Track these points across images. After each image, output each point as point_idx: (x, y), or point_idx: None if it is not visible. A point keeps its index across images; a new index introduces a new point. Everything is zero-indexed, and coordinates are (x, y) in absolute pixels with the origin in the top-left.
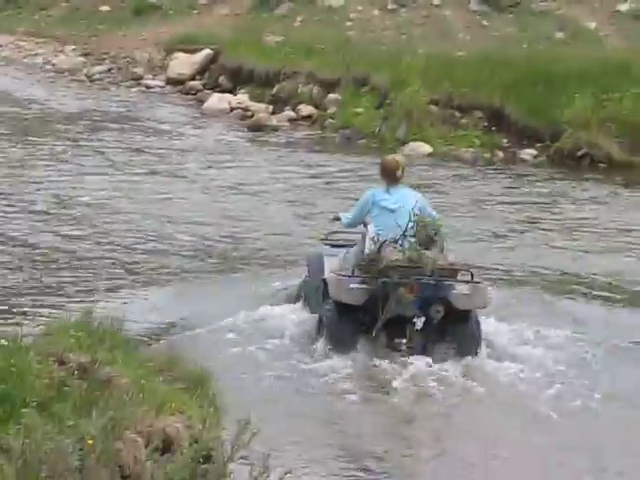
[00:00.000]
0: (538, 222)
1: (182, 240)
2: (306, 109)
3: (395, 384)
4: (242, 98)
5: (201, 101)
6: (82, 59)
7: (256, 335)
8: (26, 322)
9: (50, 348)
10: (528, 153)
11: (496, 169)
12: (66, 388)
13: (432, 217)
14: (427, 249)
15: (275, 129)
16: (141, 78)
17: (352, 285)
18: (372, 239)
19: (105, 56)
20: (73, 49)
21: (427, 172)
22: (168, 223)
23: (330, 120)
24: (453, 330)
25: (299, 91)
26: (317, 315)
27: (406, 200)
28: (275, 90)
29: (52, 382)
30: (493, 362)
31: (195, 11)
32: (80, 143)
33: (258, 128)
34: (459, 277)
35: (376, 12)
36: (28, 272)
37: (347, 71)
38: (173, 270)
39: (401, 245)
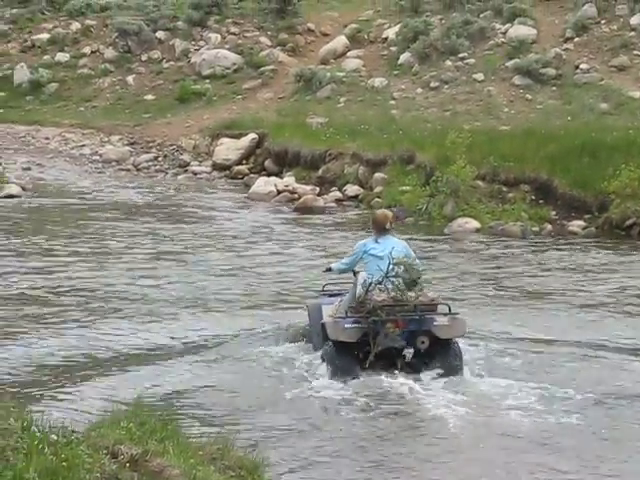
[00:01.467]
0: (590, 292)
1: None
2: (352, 189)
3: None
4: (288, 181)
5: (248, 185)
6: (128, 148)
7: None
8: (77, 414)
9: (101, 441)
10: (577, 225)
11: (545, 242)
12: None
13: (415, 261)
14: (409, 289)
15: (322, 210)
16: (187, 165)
17: (346, 325)
18: (362, 284)
19: (151, 144)
20: (119, 139)
21: (476, 247)
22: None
23: (377, 199)
24: (438, 356)
25: (345, 171)
26: (320, 353)
27: (394, 248)
28: (321, 172)
29: (103, 475)
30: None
31: (239, 96)
32: (128, 233)
33: (305, 210)
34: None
35: (419, 90)
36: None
37: (392, 150)
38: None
39: (385, 286)
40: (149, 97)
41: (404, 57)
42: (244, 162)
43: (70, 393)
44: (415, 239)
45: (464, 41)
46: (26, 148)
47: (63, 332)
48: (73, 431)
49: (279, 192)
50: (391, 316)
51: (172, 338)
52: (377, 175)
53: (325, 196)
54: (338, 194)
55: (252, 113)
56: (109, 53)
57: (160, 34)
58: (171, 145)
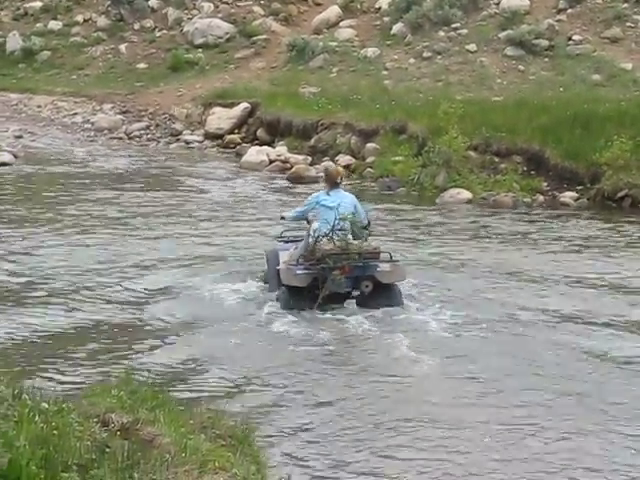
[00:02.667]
0: (575, 267)
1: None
2: (345, 159)
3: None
4: (280, 150)
5: (240, 155)
6: (120, 117)
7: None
8: (67, 384)
9: (92, 409)
10: (569, 196)
11: (537, 213)
12: (108, 449)
13: (361, 213)
14: (355, 239)
15: (314, 180)
16: (180, 134)
17: (298, 272)
18: (312, 235)
19: (143, 113)
20: (111, 107)
21: (467, 218)
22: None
23: (369, 169)
24: (383, 296)
25: (337, 141)
26: (275, 295)
27: (342, 200)
28: (313, 141)
29: (94, 443)
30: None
31: (231, 66)
32: (118, 201)
33: (298, 179)
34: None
35: (412, 60)
36: (69, 335)
37: (385, 120)
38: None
39: (331, 237)
40: (141, 66)
41: (397, 27)
42: (236, 131)
43: (57, 365)
44: (407, 209)
45: (457, 11)
46: (18, 116)
47: (43, 304)
48: (64, 399)
49: (271, 162)
50: (338, 263)
51: (148, 302)
52: (369, 145)
53: (317, 166)
54: (330, 164)
55: (245, 82)
56: (102, 21)
57: (153, 2)
58: (163, 114)
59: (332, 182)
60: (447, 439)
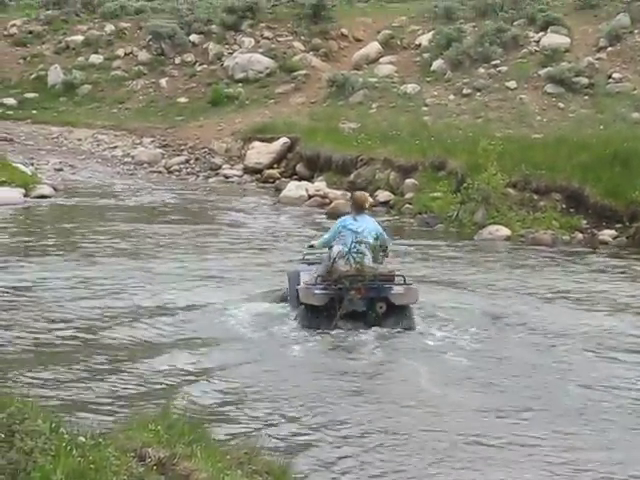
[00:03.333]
0: (616, 301)
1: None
2: (383, 195)
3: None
4: (320, 185)
5: (279, 189)
6: (160, 151)
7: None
8: (106, 417)
9: (129, 443)
10: (607, 234)
11: (575, 251)
12: None
13: (384, 239)
14: (375, 262)
15: None
16: (219, 168)
17: (316, 291)
18: (331, 256)
19: (183, 147)
20: (151, 141)
21: (506, 255)
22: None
23: (408, 205)
24: (396, 317)
25: (376, 177)
26: (295, 313)
27: (367, 225)
28: (352, 177)
29: (130, 478)
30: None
31: (271, 100)
32: (156, 233)
33: (336, 215)
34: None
35: (452, 97)
36: (105, 369)
37: (424, 156)
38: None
39: (348, 259)
40: (182, 100)
41: (437, 64)
42: (275, 166)
43: (94, 397)
44: (445, 246)
45: (497, 49)
46: (59, 149)
47: (75, 338)
48: (101, 433)
49: (310, 197)
50: (354, 284)
51: (182, 329)
52: (408, 181)
53: None
54: (359, 192)
55: (284, 117)
56: (143, 56)
57: (194, 37)
58: (203, 148)
59: (358, 207)
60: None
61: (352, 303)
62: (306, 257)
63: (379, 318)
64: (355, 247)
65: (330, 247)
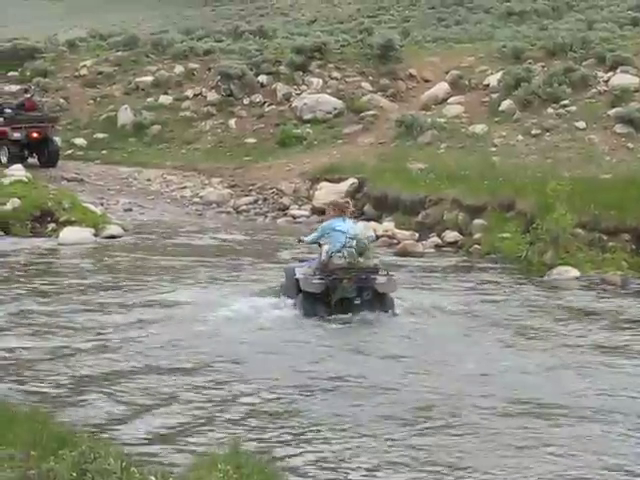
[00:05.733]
0: None
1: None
2: (451, 235)
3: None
4: (388, 226)
5: None
6: (229, 191)
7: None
8: (178, 454)
9: None
10: None
11: None
12: None
13: (367, 238)
14: (360, 256)
15: (421, 256)
16: (287, 208)
17: (314, 281)
18: (327, 252)
19: (251, 187)
20: (220, 181)
21: (576, 296)
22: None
23: (476, 246)
24: (380, 302)
25: (444, 217)
26: (293, 301)
27: (352, 227)
28: (420, 217)
29: None
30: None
31: (339, 141)
32: (220, 272)
33: (405, 255)
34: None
35: (520, 137)
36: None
37: (492, 197)
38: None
39: (342, 254)
40: (250, 140)
41: (505, 104)
42: None
43: (161, 432)
44: (514, 285)
45: (566, 89)
46: (128, 189)
47: (141, 373)
48: (171, 473)
49: (378, 237)
50: (346, 275)
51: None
52: (476, 221)
53: (424, 242)
54: (437, 240)
55: (352, 158)
56: (212, 96)
57: (262, 78)
58: (271, 188)
59: (343, 211)
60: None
61: (344, 290)
62: (298, 256)
63: (366, 304)
64: (349, 242)
65: (320, 246)
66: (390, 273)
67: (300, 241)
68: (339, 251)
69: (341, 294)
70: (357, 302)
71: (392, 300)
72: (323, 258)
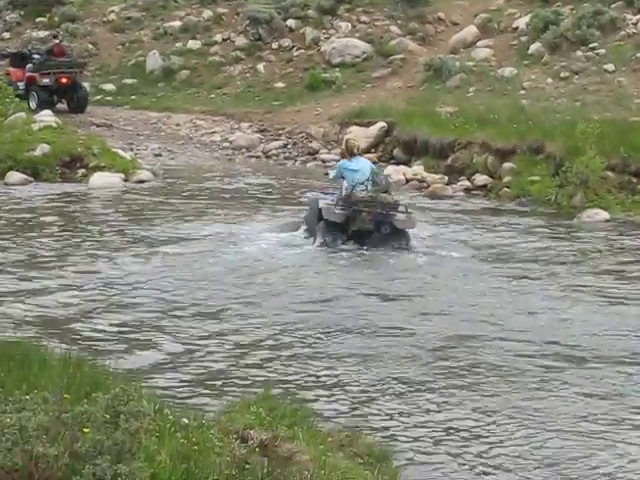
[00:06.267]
0: None
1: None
2: (481, 178)
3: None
4: (417, 169)
5: None
6: (258, 135)
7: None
8: (210, 399)
9: (231, 425)
10: None
11: None
12: (247, 466)
13: (382, 178)
14: (382, 192)
15: (451, 197)
16: (317, 152)
17: (336, 210)
18: (350, 184)
19: (280, 132)
20: (249, 126)
21: (606, 238)
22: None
23: (506, 189)
24: (397, 237)
25: (474, 161)
26: (309, 234)
27: (363, 164)
28: (450, 161)
29: (233, 460)
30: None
31: (368, 85)
32: (247, 214)
33: (434, 198)
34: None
35: (549, 80)
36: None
37: (521, 140)
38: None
39: (366, 187)
40: (279, 85)
41: (534, 47)
42: (373, 150)
43: (195, 379)
44: (543, 228)
45: (595, 31)
46: (157, 134)
47: (181, 320)
48: (203, 415)
49: (407, 181)
50: (367, 208)
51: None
52: (506, 165)
53: (453, 185)
54: (467, 183)
55: (381, 102)
56: (240, 41)
57: (291, 22)
58: (300, 133)
59: (351, 152)
60: None
61: (363, 221)
62: (321, 189)
63: (383, 237)
64: (372, 177)
65: (343, 178)
66: (409, 210)
67: (326, 174)
68: (363, 182)
69: (360, 225)
70: (376, 235)
71: (409, 236)
72: (347, 190)
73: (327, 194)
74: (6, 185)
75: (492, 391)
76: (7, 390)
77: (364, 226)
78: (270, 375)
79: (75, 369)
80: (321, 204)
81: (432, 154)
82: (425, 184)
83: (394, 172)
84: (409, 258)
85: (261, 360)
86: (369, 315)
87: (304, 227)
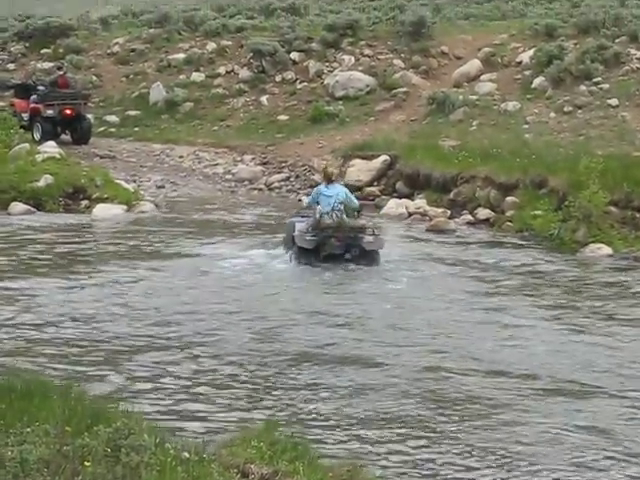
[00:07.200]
0: None
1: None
2: (484, 212)
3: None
4: (420, 203)
5: (378, 207)
6: (261, 168)
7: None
8: (210, 432)
9: (232, 459)
10: None
11: None
12: None
13: (353, 201)
14: (348, 216)
15: (453, 233)
16: (319, 185)
17: (307, 237)
18: (319, 212)
19: (283, 164)
20: (252, 158)
21: (608, 274)
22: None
23: (508, 223)
24: (367, 258)
25: (477, 195)
26: (290, 251)
27: (337, 191)
28: (452, 194)
29: None
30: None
31: (371, 118)
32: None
33: (437, 232)
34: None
35: (552, 114)
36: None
37: (524, 174)
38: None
39: (331, 216)
40: (282, 117)
41: (538, 81)
42: (375, 183)
43: (197, 410)
44: (546, 262)
45: (598, 66)
46: (160, 166)
47: (174, 348)
48: (204, 449)
49: (410, 214)
50: (335, 233)
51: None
52: (509, 199)
53: (456, 219)
54: (469, 217)
55: (384, 135)
56: (244, 73)
57: (294, 55)
58: (303, 166)
59: (328, 179)
60: None
61: (332, 246)
62: (298, 212)
63: (354, 259)
64: (337, 206)
65: (317, 204)
66: (377, 232)
67: (300, 201)
68: (328, 212)
69: (329, 250)
70: (347, 257)
71: (379, 256)
72: (316, 217)
73: (304, 217)
74: (9, 215)
75: (488, 427)
76: (8, 422)
77: (334, 251)
78: (266, 407)
79: (76, 401)
80: (296, 229)
81: (435, 188)
82: (427, 218)
83: (396, 205)
84: (397, 288)
85: (253, 390)
86: (349, 343)
87: (282, 247)
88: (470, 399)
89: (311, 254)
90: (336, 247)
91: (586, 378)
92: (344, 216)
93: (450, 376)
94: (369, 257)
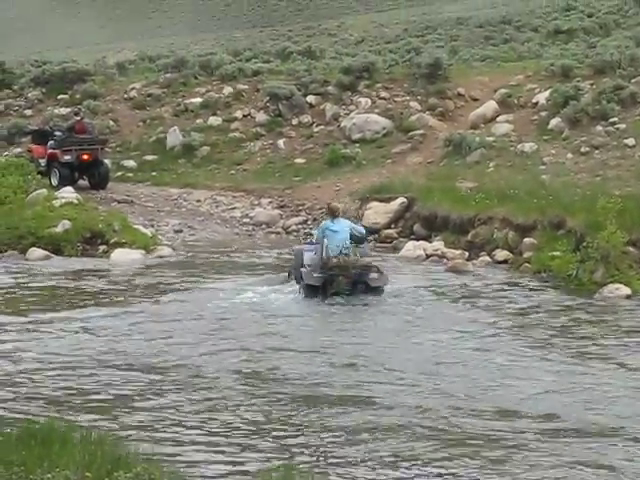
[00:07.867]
0: None
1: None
2: (502, 254)
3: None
4: (437, 245)
5: (396, 249)
6: (278, 211)
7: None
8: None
9: None
10: None
11: None
12: None
13: (359, 230)
14: (356, 243)
15: (472, 273)
16: None
17: (315, 274)
18: (325, 249)
19: (300, 208)
20: (269, 202)
21: (628, 315)
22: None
23: (526, 264)
24: (371, 294)
25: (494, 236)
26: (299, 286)
27: (343, 226)
28: (470, 236)
29: None
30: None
31: (388, 160)
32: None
33: (455, 273)
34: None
35: (569, 155)
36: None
37: (542, 215)
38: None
39: (347, 248)
40: (299, 161)
41: (554, 122)
42: (393, 226)
43: (212, 450)
44: (564, 303)
45: (615, 106)
46: (178, 210)
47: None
48: None
49: (428, 256)
50: (342, 272)
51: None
52: (526, 240)
53: (474, 261)
54: (487, 259)
55: (401, 177)
56: (260, 117)
57: (311, 98)
58: (320, 209)
59: (332, 214)
60: None
61: (339, 285)
62: (307, 240)
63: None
64: (345, 251)
65: (323, 238)
66: (382, 270)
67: (309, 235)
68: (336, 256)
69: (337, 288)
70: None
71: (383, 291)
72: (323, 255)
73: (311, 244)
74: (27, 261)
75: (500, 467)
76: (29, 469)
77: (341, 289)
78: (283, 449)
79: (96, 446)
80: (305, 255)
81: (452, 229)
82: (445, 260)
83: (414, 248)
84: (409, 327)
85: (254, 433)
86: (359, 383)
87: (291, 275)
88: (481, 438)
89: (318, 290)
90: (344, 286)
91: (604, 420)
92: (351, 254)
93: (465, 416)
94: (375, 292)
